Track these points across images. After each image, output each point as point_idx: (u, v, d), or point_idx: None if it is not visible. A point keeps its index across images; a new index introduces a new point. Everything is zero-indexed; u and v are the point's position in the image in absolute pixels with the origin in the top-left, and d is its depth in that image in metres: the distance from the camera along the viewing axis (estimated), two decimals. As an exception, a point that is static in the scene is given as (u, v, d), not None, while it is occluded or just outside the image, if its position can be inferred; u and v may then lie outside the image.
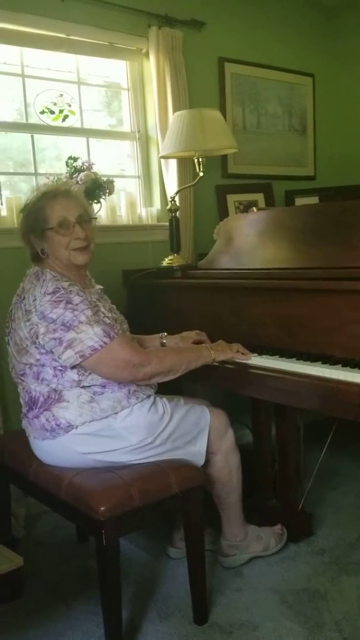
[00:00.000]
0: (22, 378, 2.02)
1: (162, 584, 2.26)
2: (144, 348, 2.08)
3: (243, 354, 2.14)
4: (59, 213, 1.99)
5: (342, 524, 2.61)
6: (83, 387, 1.97)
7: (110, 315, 2.03)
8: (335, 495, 2.87)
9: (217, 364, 2.14)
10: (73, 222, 2.00)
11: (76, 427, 1.96)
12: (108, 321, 1.94)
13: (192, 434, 2.11)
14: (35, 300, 1.91)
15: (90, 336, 1.87)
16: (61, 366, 1.94)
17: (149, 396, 2.07)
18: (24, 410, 2.06)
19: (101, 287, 2.17)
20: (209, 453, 2.14)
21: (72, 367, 1.94)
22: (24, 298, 1.97)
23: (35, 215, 2.00)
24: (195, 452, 2.11)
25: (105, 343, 1.88)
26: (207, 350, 2.13)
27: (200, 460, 2.11)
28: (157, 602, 2.15)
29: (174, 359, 2.03)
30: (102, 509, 1.77)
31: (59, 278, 1.96)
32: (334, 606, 2.07)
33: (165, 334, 2.35)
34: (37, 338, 1.90)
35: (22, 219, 2.07)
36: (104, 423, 1.97)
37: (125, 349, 1.93)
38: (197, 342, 2.28)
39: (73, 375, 1.95)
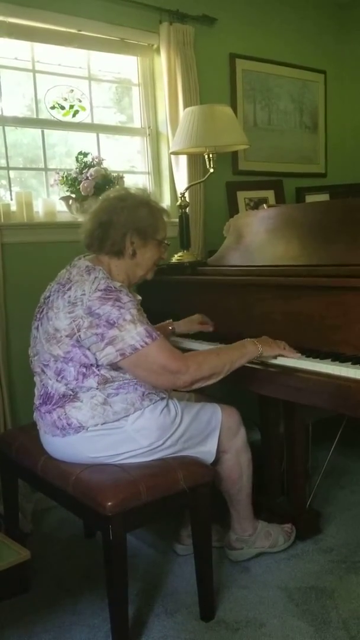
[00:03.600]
0: (44, 369, 2.00)
1: (168, 580, 2.26)
2: None
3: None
4: (165, 232, 2.17)
5: (350, 522, 2.60)
6: (98, 389, 1.95)
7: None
8: (344, 493, 2.86)
9: (257, 362, 2.07)
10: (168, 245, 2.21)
11: (87, 429, 1.95)
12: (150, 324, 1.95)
13: (203, 434, 2.09)
14: (84, 294, 1.89)
15: (132, 335, 1.85)
16: (86, 369, 1.92)
17: (162, 398, 2.05)
18: (37, 402, 2.06)
19: (140, 298, 2.16)
20: (219, 451, 2.13)
21: (102, 371, 1.92)
22: (69, 289, 1.93)
23: (152, 221, 2.08)
24: (206, 452, 2.10)
25: (146, 343, 1.86)
26: (253, 344, 2.04)
27: (209, 459, 2.10)
28: (163, 598, 2.15)
29: (213, 362, 1.97)
30: (110, 504, 1.77)
31: (110, 278, 1.95)
32: (341, 604, 2.06)
33: (171, 320, 2.43)
34: (77, 331, 1.88)
35: (136, 212, 2.06)
36: (115, 425, 1.96)
37: (164, 353, 1.90)
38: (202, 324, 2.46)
39: (93, 382, 1.93)
